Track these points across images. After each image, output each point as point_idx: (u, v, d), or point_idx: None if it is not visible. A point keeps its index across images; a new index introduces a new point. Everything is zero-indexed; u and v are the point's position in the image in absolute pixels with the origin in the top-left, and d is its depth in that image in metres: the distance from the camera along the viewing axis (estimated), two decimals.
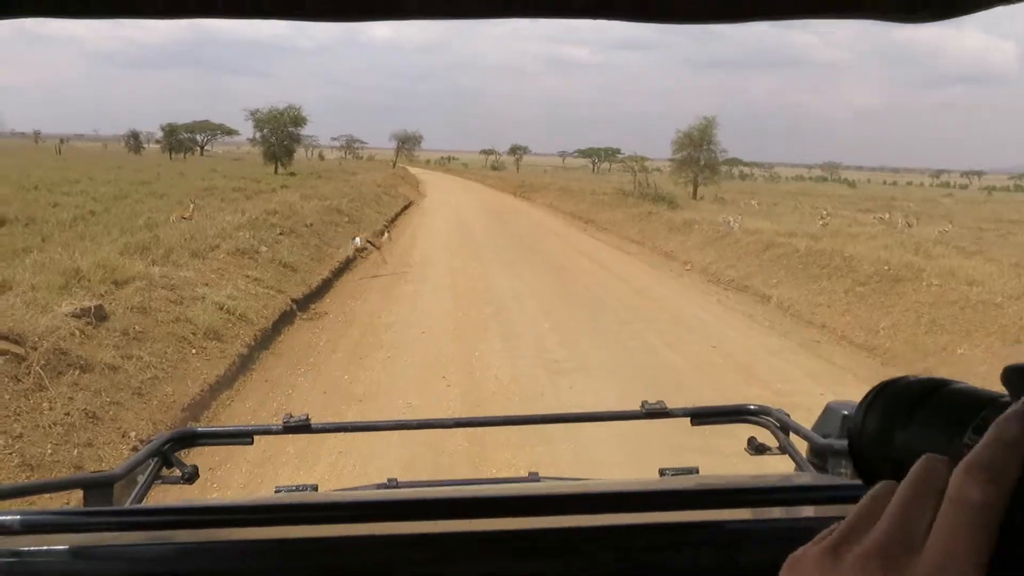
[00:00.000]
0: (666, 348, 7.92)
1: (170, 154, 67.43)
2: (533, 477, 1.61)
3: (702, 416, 1.50)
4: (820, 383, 6.84)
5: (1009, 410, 0.34)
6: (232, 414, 5.77)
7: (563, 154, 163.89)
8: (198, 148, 75.69)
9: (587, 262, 14.87)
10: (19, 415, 4.53)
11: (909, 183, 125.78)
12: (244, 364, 6.80)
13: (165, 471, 1.34)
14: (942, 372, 7.47)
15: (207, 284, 8.38)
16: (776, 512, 0.96)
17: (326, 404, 5.96)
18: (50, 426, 4.51)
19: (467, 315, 9.30)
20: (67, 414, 4.70)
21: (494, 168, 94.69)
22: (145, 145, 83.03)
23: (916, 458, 0.36)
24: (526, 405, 5.93)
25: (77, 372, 5.23)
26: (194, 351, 6.48)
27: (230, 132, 77.99)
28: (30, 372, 4.95)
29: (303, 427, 1.43)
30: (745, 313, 10.21)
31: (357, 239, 12.55)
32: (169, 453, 1.34)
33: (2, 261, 8.82)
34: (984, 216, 33.12)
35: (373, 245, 12.21)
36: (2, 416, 4.47)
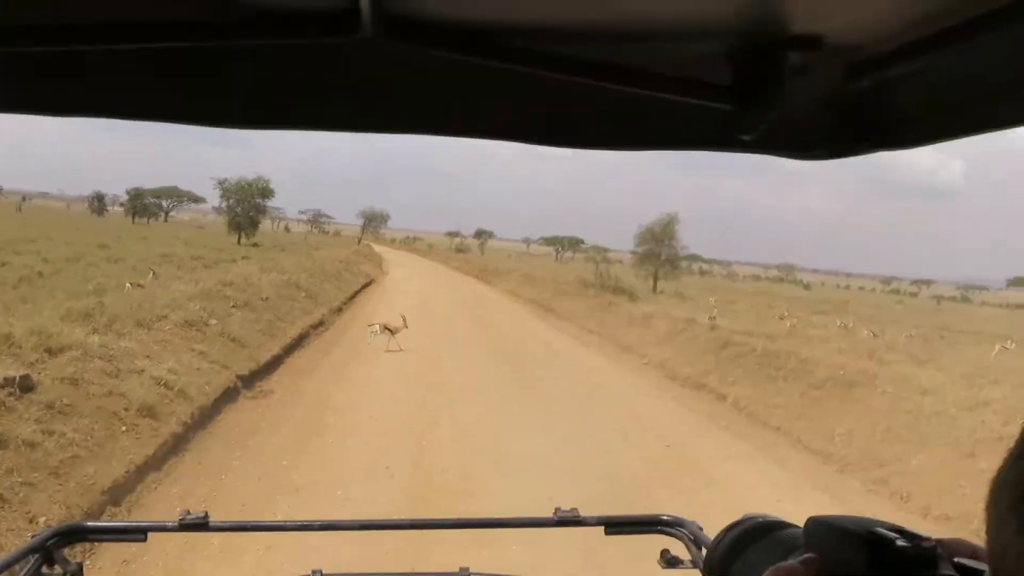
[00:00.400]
0: (623, 445, 7.72)
1: (133, 218, 66.76)
2: (463, 573, 1.48)
3: (616, 525, 1.47)
4: (779, 489, 6.68)
5: (792, 559, 0.41)
6: (157, 499, 5.38)
7: (527, 240, 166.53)
8: (163, 214, 75.17)
9: (544, 350, 14.73)
10: None
11: (861, 288, 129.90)
12: (177, 444, 6.41)
13: (46, 570, 1.22)
14: (897, 482, 7.43)
15: (148, 356, 8.02)
16: None
17: (260, 492, 5.61)
18: None
19: (421, 402, 9.04)
20: None
21: (459, 250, 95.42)
22: (110, 208, 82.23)
23: None
24: (474, 497, 5.65)
25: None
26: (124, 428, 6.10)
27: (197, 199, 77.86)
28: None
29: (200, 524, 1.34)
30: (702, 412, 10.08)
31: (376, 327, 12.78)
32: (53, 549, 1.22)
33: None
34: (935, 324, 34.05)
35: (390, 331, 12.68)
36: None
